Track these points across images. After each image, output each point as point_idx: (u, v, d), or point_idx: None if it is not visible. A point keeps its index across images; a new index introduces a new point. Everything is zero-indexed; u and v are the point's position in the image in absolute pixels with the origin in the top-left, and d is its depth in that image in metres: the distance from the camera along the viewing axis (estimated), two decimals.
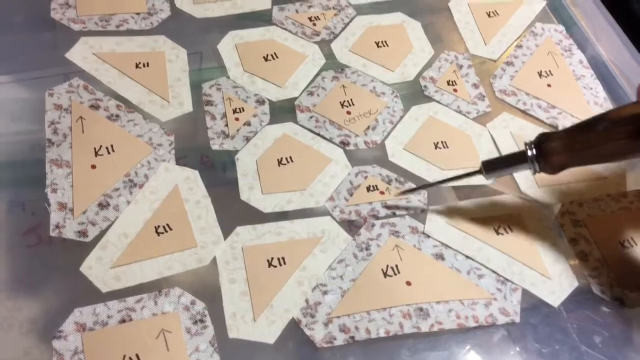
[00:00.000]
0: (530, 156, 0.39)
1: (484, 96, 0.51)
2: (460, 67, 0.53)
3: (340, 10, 0.56)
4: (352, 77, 0.51)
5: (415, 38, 0.55)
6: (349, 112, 0.49)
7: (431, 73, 0.52)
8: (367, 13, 0.56)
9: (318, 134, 0.47)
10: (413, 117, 0.49)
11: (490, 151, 0.48)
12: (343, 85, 0.50)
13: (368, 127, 0.48)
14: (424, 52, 0.54)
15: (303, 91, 0.49)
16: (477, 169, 0.41)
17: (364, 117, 0.49)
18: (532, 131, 0.49)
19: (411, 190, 0.44)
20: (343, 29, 0.54)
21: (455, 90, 0.51)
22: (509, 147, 0.48)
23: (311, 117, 0.48)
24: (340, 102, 0.49)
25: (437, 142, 0.48)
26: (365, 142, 0.47)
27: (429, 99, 0.51)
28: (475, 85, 0.52)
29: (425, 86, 0.51)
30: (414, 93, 0.51)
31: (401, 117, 0.49)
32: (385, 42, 0.54)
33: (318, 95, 0.49)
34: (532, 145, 0.39)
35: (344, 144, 0.47)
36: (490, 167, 0.40)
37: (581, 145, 0.37)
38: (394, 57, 0.53)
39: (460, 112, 0.50)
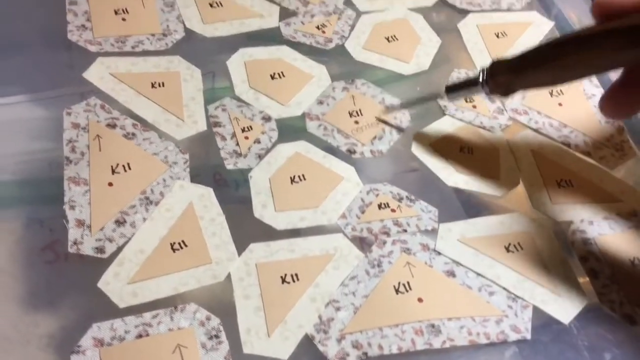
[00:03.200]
0: (481, 79, 0.43)
1: (502, 110, 0.52)
2: None
3: (340, 13, 0.57)
4: (361, 89, 0.52)
5: (419, 29, 0.57)
6: (356, 122, 0.50)
7: None
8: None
9: (326, 142, 0.48)
10: (446, 123, 0.51)
11: (511, 167, 0.49)
12: (352, 96, 0.51)
13: (375, 137, 0.49)
14: (431, 41, 0.57)
15: (313, 103, 0.51)
16: (441, 92, 0.47)
17: (371, 127, 0.50)
18: (553, 150, 0.51)
19: (393, 109, 0.51)
20: (351, 30, 0.56)
21: (474, 106, 0.52)
22: (526, 161, 0.49)
23: (320, 125, 0.49)
24: (349, 112, 0.50)
25: (464, 147, 0.50)
26: (372, 152, 0.48)
27: (451, 117, 0.52)
28: (492, 100, 0.53)
29: (445, 106, 0.52)
30: (429, 109, 0.52)
31: (407, 127, 0.50)
32: (394, 36, 0.56)
33: (328, 104, 0.50)
34: (484, 69, 0.43)
35: (350, 152, 0.48)
36: (451, 89, 0.46)
37: (523, 66, 0.41)
38: (405, 49, 0.56)
39: (483, 127, 0.51)
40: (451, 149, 0.49)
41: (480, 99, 0.53)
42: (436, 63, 0.56)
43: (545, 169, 0.49)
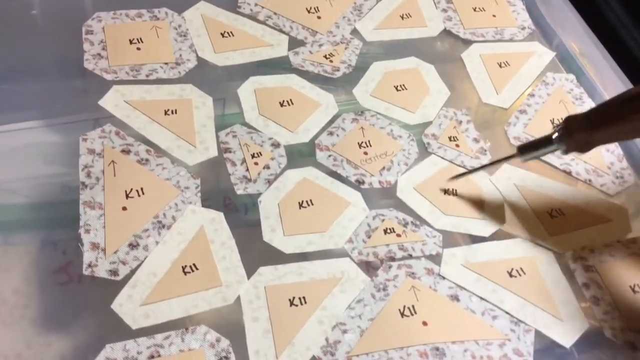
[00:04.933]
0: (557, 137, 0.42)
1: (485, 150, 0.53)
2: (460, 122, 0.55)
3: (348, 42, 0.59)
4: (371, 120, 0.53)
5: (430, 80, 0.58)
6: (365, 153, 0.51)
7: (432, 130, 0.54)
8: (381, 56, 0.59)
9: (335, 172, 0.49)
10: (429, 164, 0.51)
11: (497, 205, 0.50)
12: (362, 127, 0.53)
13: (383, 168, 0.50)
14: (440, 93, 0.57)
15: (322, 132, 0.52)
16: (514, 153, 0.45)
17: (379, 158, 0.51)
18: (534, 181, 0.51)
19: (461, 175, 0.49)
20: (360, 67, 0.57)
21: (457, 145, 0.53)
22: (514, 197, 0.50)
23: (329, 156, 0.50)
24: (358, 143, 0.52)
25: (448, 189, 0.50)
26: (380, 182, 0.49)
27: (434, 155, 0.52)
28: (476, 140, 0.54)
29: (428, 143, 0.53)
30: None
31: (416, 160, 0.51)
32: (404, 85, 0.57)
33: (337, 135, 0.52)
34: (559, 127, 0.42)
35: (359, 183, 0.49)
36: (525, 150, 0.45)
37: (602, 121, 0.40)
38: (413, 99, 0.56)
39: (464, 167, 0.51)
40: (436, 191, 0.50)
41: (464, 137, 0.54)
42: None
43: (533, 201, 0.50)
